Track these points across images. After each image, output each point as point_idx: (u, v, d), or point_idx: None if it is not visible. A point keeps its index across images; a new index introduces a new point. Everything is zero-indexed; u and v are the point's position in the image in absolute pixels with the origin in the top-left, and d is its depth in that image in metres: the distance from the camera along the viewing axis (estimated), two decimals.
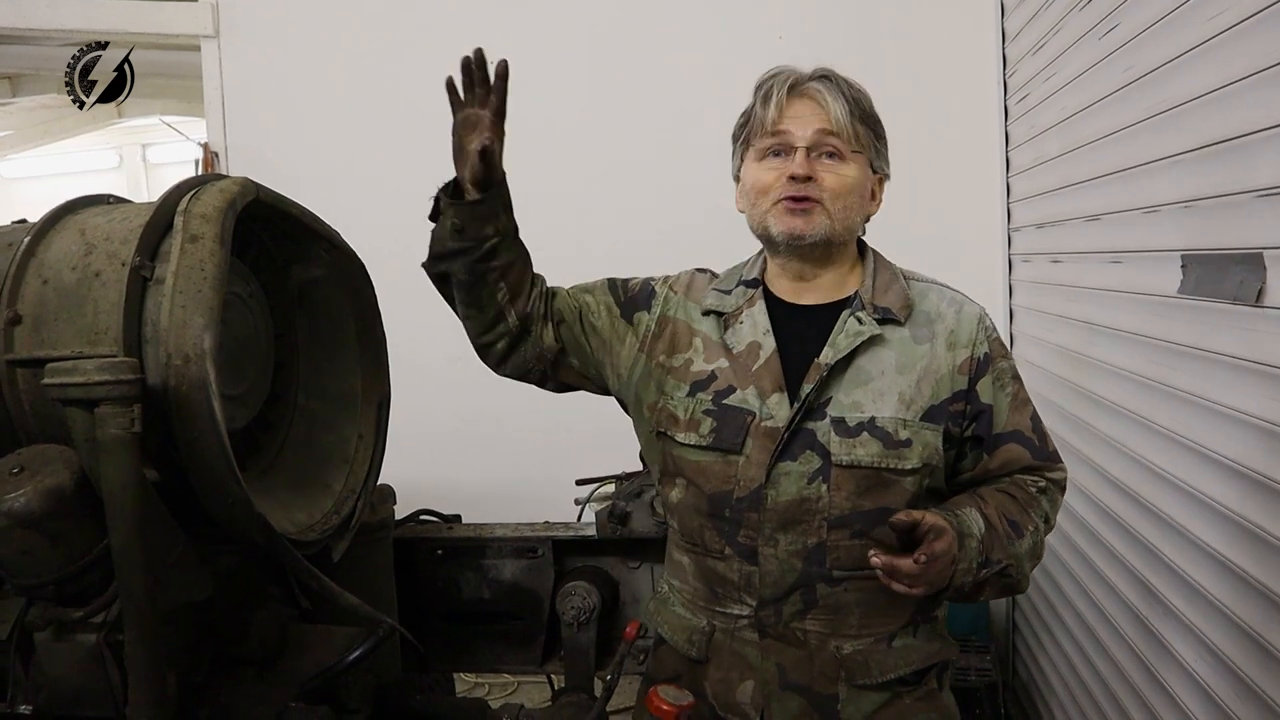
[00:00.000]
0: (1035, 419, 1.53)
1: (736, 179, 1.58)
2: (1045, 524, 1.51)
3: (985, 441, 1.49)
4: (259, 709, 1.45)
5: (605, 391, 1.67)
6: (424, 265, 1.54)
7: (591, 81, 3.61)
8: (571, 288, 1.67)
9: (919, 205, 3.45)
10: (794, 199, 1.46)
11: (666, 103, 3.52)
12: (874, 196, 1.54)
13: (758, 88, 1.52)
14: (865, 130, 1.48)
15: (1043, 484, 1.52)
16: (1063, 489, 1.55)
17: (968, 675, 2.87)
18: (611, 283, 1.66)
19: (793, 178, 1.45)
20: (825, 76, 1.49)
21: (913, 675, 1.48)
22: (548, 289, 1.63)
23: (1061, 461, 1.56)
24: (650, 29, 3.58)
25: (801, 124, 1.46)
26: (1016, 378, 1.52)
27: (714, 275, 1.64)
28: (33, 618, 1.37)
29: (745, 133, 1.53)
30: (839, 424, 1.43)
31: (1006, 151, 3.40)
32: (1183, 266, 1.90)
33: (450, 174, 1.44)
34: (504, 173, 1.47)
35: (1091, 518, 2.52)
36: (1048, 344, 2.98)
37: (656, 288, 1.64)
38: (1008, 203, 3.41)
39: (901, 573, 1.30)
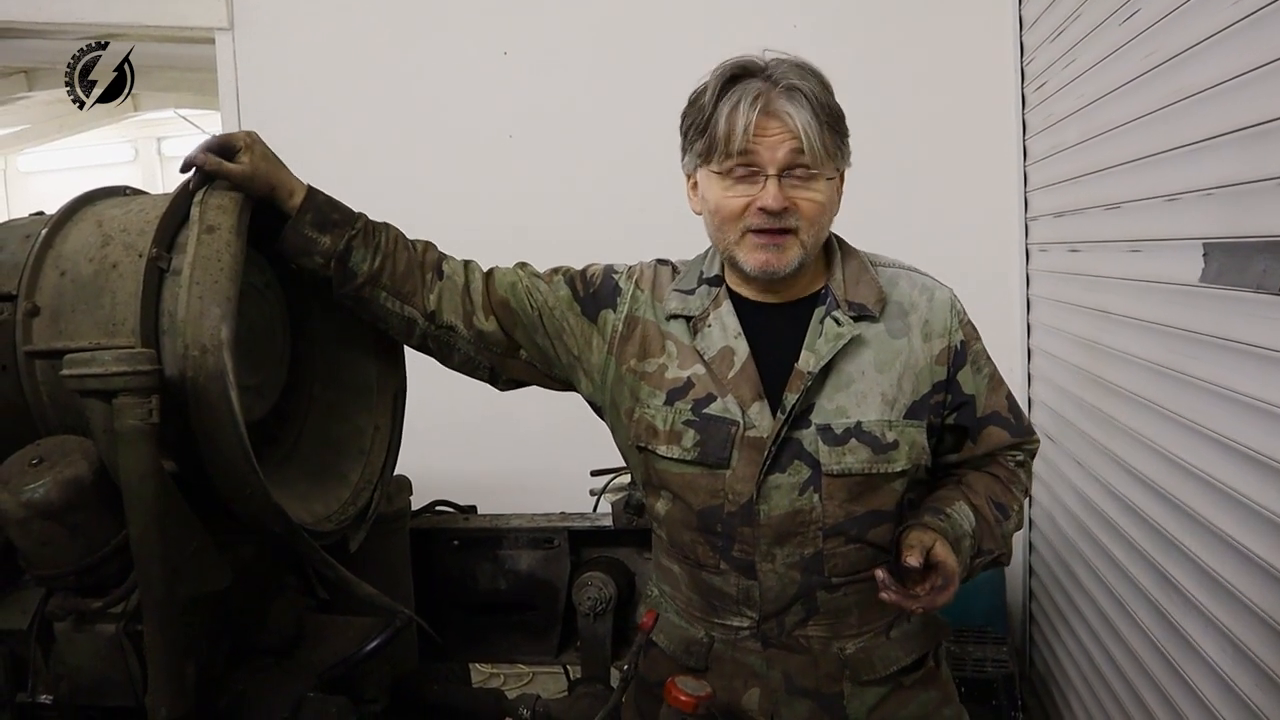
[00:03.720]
0: (1010, 397, 1.54)
1: (689, 176, 1.48)
2: (1025, 495, 1.54)
3: (970, 430, 1.50)
4: (277, 699, 1.46)
5: (562, 389, 1.63)
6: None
7: (601, 72, 3.60)
8: (521, 272, 1.60)
9: (935, 195, 3.45)
10: (767, 232, 1.37)
11: (678, 91, 3.51)
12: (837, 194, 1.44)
13: (719, 91, 1.38)
14: (832, 137, 1.36)
15: (1020, 458, 1.55)
16: (1034, 455, 1.59)
17: (984, 666, 2.86)
18: (570, 277, 1.58)
19: (765, 210, 1.35)
20: (792, 88, 1.34)
21: (913, 664, 1.49)
22: (480, 273, 1.59)
23: (1034, 431, 1.58)
24: (662, 17, 3.56)
25: (770, 147, 1.34)
26: (988, 358, 1.53)
27: (675, 269, 1.56)
28: (53, 608, 1.37)
29: (704, 143, 1.39)
30: (825, 431, 1.39)
31: (1024, 140, 3.36)
32: (1204, 255, 1.88)
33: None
34: (297, 199, 1.50)
35: (1110, 508, 2.50)
36: (1065, 334, 2.96)
37: (621, 283, 1.55)
38: (1025, 191, 3.38)
39: (906, 610, 1.32)
